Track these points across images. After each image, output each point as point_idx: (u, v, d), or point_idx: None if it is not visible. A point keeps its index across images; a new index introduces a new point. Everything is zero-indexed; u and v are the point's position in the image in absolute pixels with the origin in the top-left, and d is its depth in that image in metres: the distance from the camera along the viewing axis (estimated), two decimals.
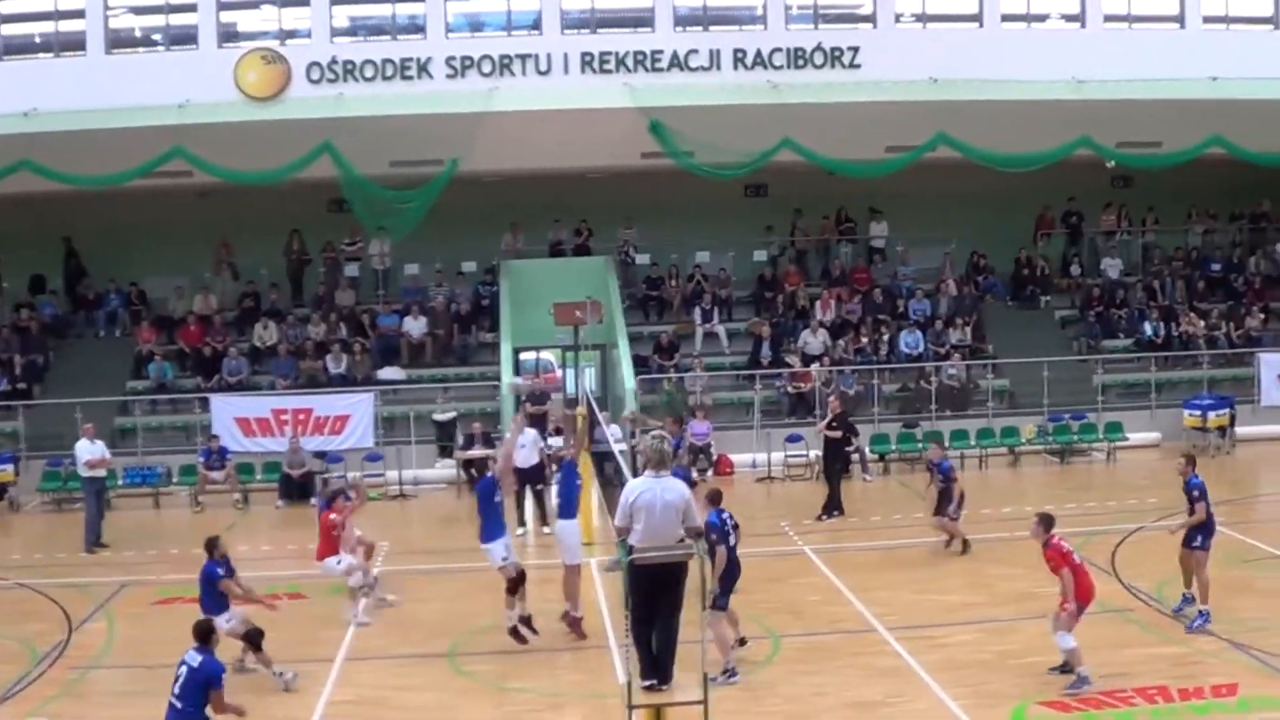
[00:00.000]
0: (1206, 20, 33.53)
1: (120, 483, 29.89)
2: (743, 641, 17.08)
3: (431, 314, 35.22)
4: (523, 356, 37.02)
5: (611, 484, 21.51)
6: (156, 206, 34.27)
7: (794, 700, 15.59)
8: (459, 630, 18.94)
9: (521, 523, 25.50)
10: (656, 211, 36.82)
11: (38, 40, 32.79)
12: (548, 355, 40.35)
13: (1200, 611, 17.52)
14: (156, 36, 32.68)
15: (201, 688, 12.61)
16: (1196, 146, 32.37)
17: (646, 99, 31.24)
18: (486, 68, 31.74)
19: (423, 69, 31.74)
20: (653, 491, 12.72)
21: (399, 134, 30.83)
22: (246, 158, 30.67)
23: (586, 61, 32.00)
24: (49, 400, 32.38)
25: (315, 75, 31.48)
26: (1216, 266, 38.35)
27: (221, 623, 16.25)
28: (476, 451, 28.58)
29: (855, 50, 32.42)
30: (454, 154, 30.87)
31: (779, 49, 32.31)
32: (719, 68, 32.21)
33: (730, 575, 16.45)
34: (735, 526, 16.85)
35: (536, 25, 32.56)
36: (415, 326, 34.80)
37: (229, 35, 32.18)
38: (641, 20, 32.72)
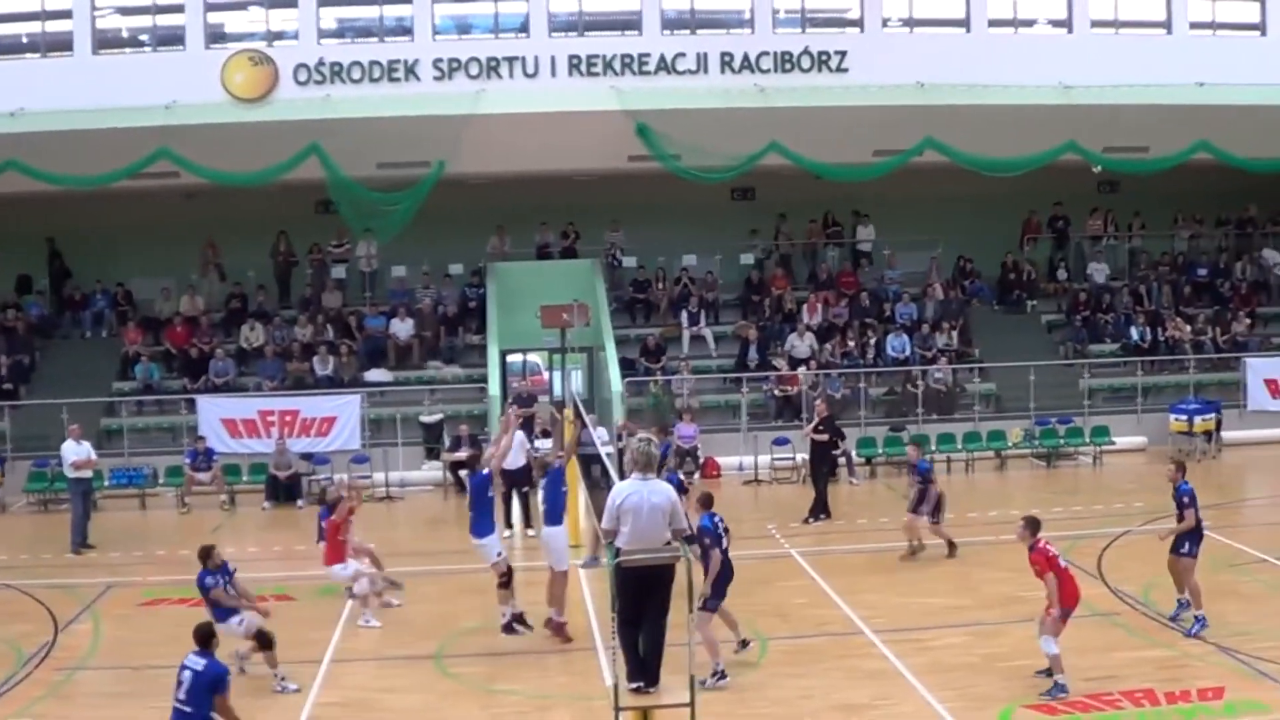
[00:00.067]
0: (1193, 26, 33.70)
1: (106, 484, 29.81)
2: (745, 643, 17.09)
3: (418, 316, 35.20)
4: (510, 359, 36.97)
5: (598, 487, 21.50)
6: (143, 207, 34.23)
7: (781, 703, 15.58)
8: (446, 632, 18.91)
9: (508, 525, 25.47)
10: (643, 214, 36.81)
11: (25, 40, 32.78)
12: (535, 358, 40.33)
13: (1196, 617, 17.50)
14: (144, 37, 32.67)
15: (208, 691, 12.57)
16: (1183, 152, 32.49)
17: (633, 102, 31.26)
18: (474, 70, 31.75)
19: (410, 71, 31.76)
20: (639, 494, 12.71)
21: (386, 136, 30.81)
22: (233, 159, 30.65)
23: (574, 64, 32.05)
24: (35, 401, 32.28)
25: (302, 77, 31.48)
26: (1203, 271, 38.42)
27: (234, 625, 16.31)
28: (464, 453, 28.60)
29: (842, 54, 32.50)
30: (441, 156, 30.86)
31: (766, 53, 32.39)
32: (706, 71, 32.26)
33: (724, 578, 16.46)
34: (726, 530, 16.86)
35: (524, 28, 32.59)
36: (402, 328, 34.76)
37: (216, 36, 32.20)
38: (629, 23, 32.79)
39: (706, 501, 17.02)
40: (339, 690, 16.57)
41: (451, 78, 31.75)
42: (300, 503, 29.77)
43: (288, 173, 30.76)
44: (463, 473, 28.73)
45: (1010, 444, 32.46)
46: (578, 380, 36.82)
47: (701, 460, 31.43)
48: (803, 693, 15.90)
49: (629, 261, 37.46)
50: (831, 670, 16.77)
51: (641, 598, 12.45)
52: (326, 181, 31.13)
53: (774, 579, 21.22)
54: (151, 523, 28.84)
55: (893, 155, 32.20)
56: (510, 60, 31.93)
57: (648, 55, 32.16)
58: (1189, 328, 35.78)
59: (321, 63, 31.57)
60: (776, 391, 33.33)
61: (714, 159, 31.16)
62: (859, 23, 33.31)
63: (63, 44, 31.62)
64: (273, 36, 32.22)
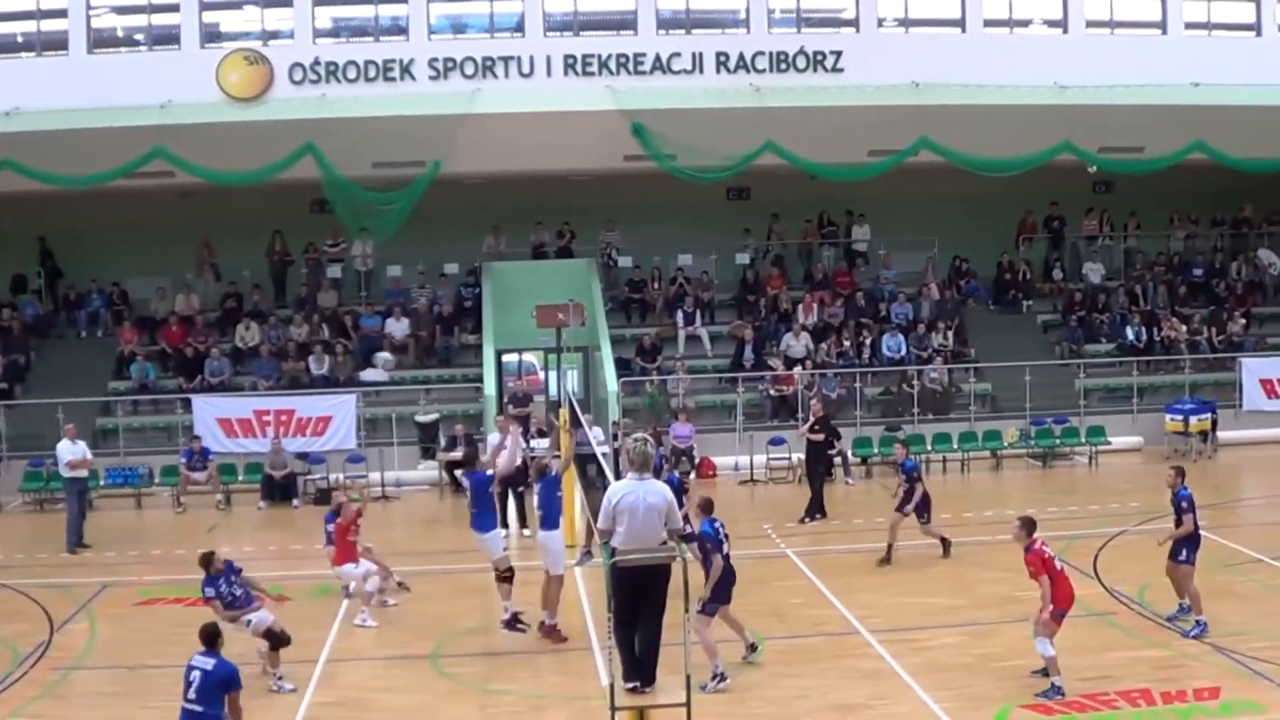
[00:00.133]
0: (1188, 26, 33.72)
1: (102, 483, 29.82)
2: (753, 648, 17.05)
3: (414, 316, 35.18)
4: (505, 358, 36.97)
5: (594, 486, 21.50)
6: (139, 206, 34.18)
7: (776, 703, 15.59)
8: (442, 632, 18.91)
9: (504, 524, 25.45)
10: (639, 214, 36.80)
11: (20, 39, 32.72)
12: (530, 357, 40.31)
13: (1197, 621, 17.47)
14: (139, 36, 32.61)
15: (220, 689, 12.59)
16: (1178, 152, 32.52)
17: (629, 102, 31.26)
18: (469, 69, 31.72)
19: (405, 70, 31.72)
20: (635, 494, 12.69)
21: (381, 135, 30.79)
22: (229, 158, 30.64)
23: (569, 64, 32.01)
24: (30, 400, 32.27)
25: (298, 76, 31.44)
26: (1198, 271, 38.47)
27: (241, 625, 16.31)
28: (459, 452, 28.61)
29: (838, 54, 32.48)
30: (436, 156, 30.90)
31: (762, 52, 32.37)
32: (701, 71, 32.23)
33: (725, 583, 16.46)
34: (726, 536, 16.85)
35: (519, 27, 32.58)
36: (398, 328, 34.75)
37: (211, 35, 32.12)
38: (624, 23, 32.75)
39: (707, 507, 17.01)
40: (335, 690, 16.57)
41: (447, 77, 31.72)
42: (296, 502, 29.78)
43: (283, 172, 30.77)
44: (458, 472, 28.84)
45: (1006, 444, 32.47)
46: (573, 380, 36.80)
47: (697, 460, 31.40)
48: (799, 692, 15.92)
49: (624, 261, 37.46)
50: (827, 670, 16.78)
51: (637, 597, 12.44)
52: (322, 181, 31.12)
53: (770, 579, 21.22)
54: (147, 522, 28.81)
55: (888, 155, 32.22)
56: (505, 60, 31.89)
57: (643, 55, 32.13)
58: (1184, 328, 35.79)
59: (317, 62, 31.52)
60: (772, 391, 33.32)
61: (709, 159, 31.17)
62: (854, 23, 33.26)
63: (58, 43, 31.57)
64: (268, 36, 32.16)
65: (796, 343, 34.29)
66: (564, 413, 22.80)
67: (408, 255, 35.81)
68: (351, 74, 31.57)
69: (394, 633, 18.99)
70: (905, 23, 33.64)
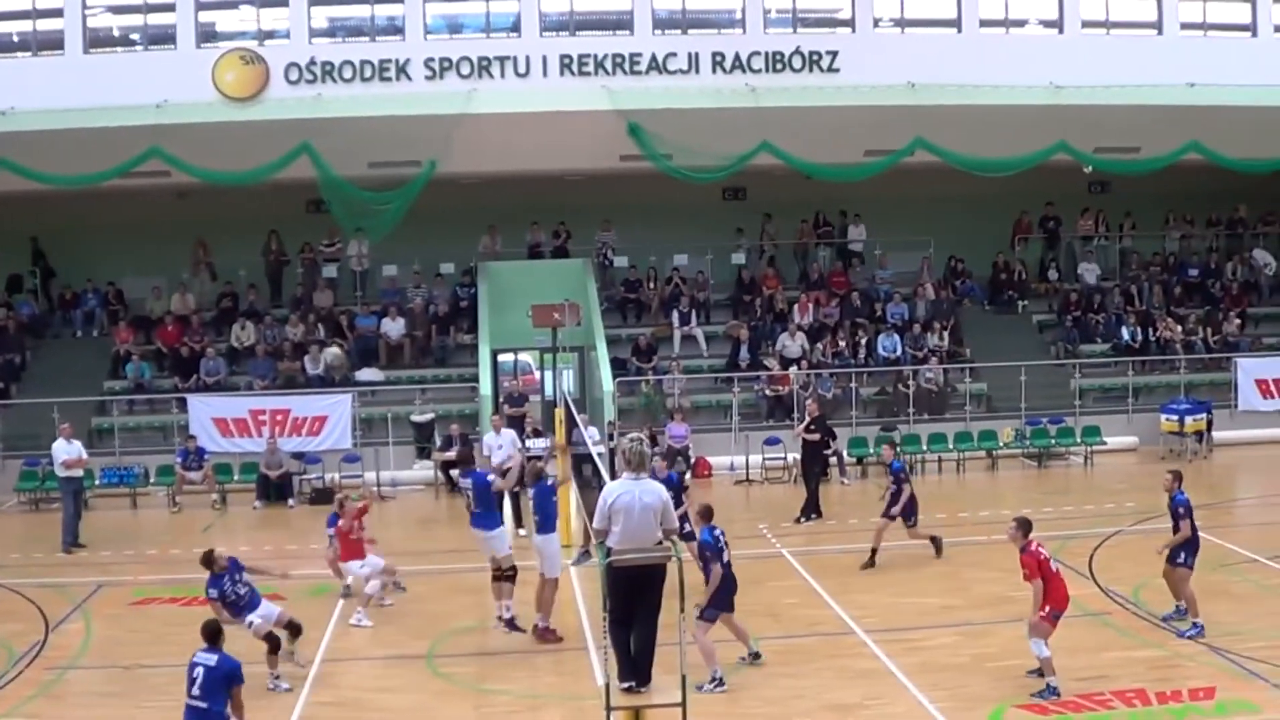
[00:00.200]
0: (1184, 27, 33.70)
1: (97, 483, 29.79)
2: (757, 656, 17.00)
3: (410, 315, 35.18)
4: (501, 358, 36.96)
5: (590, 486, 21.49)
6: (134, 206, 34.19)
7: (772, 703, 15.59)
8: (438, 632, 18.90)
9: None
10: (635, 214, 36.83)
11: (15, 39, 32.70)
12: (526, 357, 40.31)
13: (1194, 623, 17.46)
14: (135, 36, 32.57)
15: (224, 684, 12.65)
16: (1174, 152, 32.57)
17: (625, 102, 31.27)
18: (465, 69, 31.71)
19: (401, 70, 31.70)
20: (631, 494, 12.69)
21: (377, 135, 30.78)
22: (224, 158, 30.64)
23: (565, 64, 32.00)
24: (26, 400, 32.23)
25: (294, 76, 31.42)
26: (1194, 271, 38.50)
27: (244, 626, 16.30)
28: (454, 452, 28.60)
29: (834, 54, 32.46)
30: (432, 155, 30.89)
31: (758, 53, 32.35)
32: (697, 71, 32.22)
33: (726, 591, 16.45)
34: (726, 544, 16.82)
35: (515, 27, 32.55)
36: (393, 328, 34.74)
37: (207, 35, 32.09)
38: (620, 23, 32.73)
39: (707, 515, 16.97)
40: (331, 690, 16.56)
41: (443, 77, 31.70)
42: (291, 502, 29.77)
43: (279, 172, 30.76)
44: (454, 472, 28.87)
45: (1001, 444, 32.47)
46: (569, 380, 36.80)
47: (693, 460, 31.39)
48: (794, 692, 15.91)
49: (620, 261, 37.47)
50: (823, 670, 16.77)
51: (633, 597, 12.44)
52: (318, 181, 31.10)
53: (765, 579, 21.17)
54: (142, 522, 28.80)
55: (884, 155, 32.25)
56: (502, 60, 31.87)
57: (639, 55, 32.12)
58: (1180, 328, 35.82)
59: (313, 62, 31.49)
60: (768, 391, 33.33)
61: (705, 159, 31.20)
62: (850, 23, 33.27)
63: (54, 43, 31.52)
64: (264, 35, 32.13)
65: (792, 343, 34.30)
66: (561, 423, 22.80)
67: (403, 255, 35.79)
68: (347, 74, 31.54)
69: (390, 632, 18.98)
70: (901, 23, 33.63)
